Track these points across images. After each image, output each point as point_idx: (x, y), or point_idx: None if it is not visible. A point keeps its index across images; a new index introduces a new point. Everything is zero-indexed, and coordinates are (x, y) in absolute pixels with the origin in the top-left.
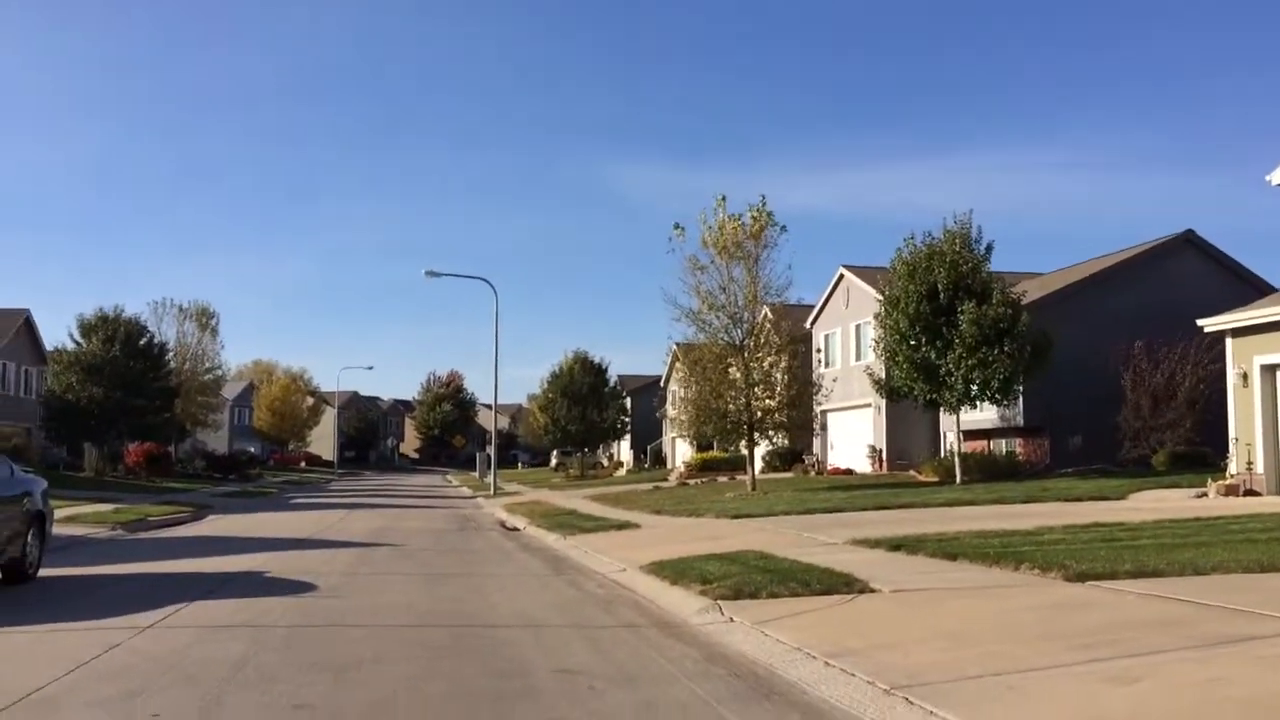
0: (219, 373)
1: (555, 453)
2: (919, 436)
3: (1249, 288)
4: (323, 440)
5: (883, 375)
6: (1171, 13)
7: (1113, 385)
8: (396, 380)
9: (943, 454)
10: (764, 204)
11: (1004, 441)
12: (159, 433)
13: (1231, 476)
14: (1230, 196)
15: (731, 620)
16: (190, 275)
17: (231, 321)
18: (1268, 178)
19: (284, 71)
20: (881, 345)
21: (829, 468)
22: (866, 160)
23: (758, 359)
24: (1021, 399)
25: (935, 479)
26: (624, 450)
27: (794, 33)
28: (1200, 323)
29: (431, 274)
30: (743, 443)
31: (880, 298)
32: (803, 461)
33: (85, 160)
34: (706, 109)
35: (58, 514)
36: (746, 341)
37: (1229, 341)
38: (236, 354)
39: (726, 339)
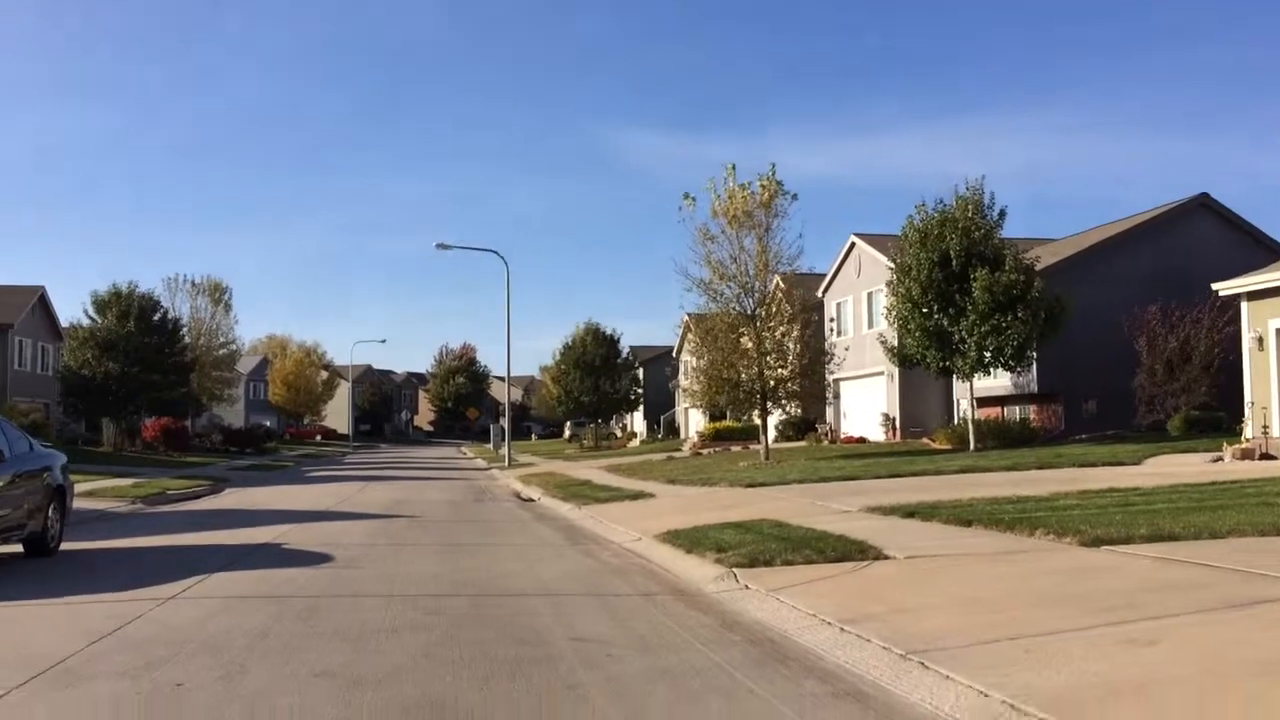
0: (233, 347)
1: (568, 424)
2: (932, 404)
3: (1265, 251)
4: (337, 414)
5: (895, 343)
6: None
7: (1127, 350)
8: (410, 353)
9: (956, 421)
10: (774, 172)
11: (1018, 408)
12: (175, 407)
13: (1247, 440)
14: (1246, 160)
15: (746, 588)
16: (202, 250)
17: (244, 296)
18: None
19: (294, 43)
20: (894, 313)
21: (842, 436)
22: (878, 127)
23: (770, 328)
24: (1035, 365)
25: (949, 446)
26: (637, 421)
27: None
28: (1215, 286)
29: (443, 247)
30: (756, 412)
31: (892, 266)
32: (816, 430)
33: (96, 136)
34: (718, 77)
35: (77, 489)
36: (758, 311)
37: (1244, 305)
38: (250, 329)
39: (738, 308)
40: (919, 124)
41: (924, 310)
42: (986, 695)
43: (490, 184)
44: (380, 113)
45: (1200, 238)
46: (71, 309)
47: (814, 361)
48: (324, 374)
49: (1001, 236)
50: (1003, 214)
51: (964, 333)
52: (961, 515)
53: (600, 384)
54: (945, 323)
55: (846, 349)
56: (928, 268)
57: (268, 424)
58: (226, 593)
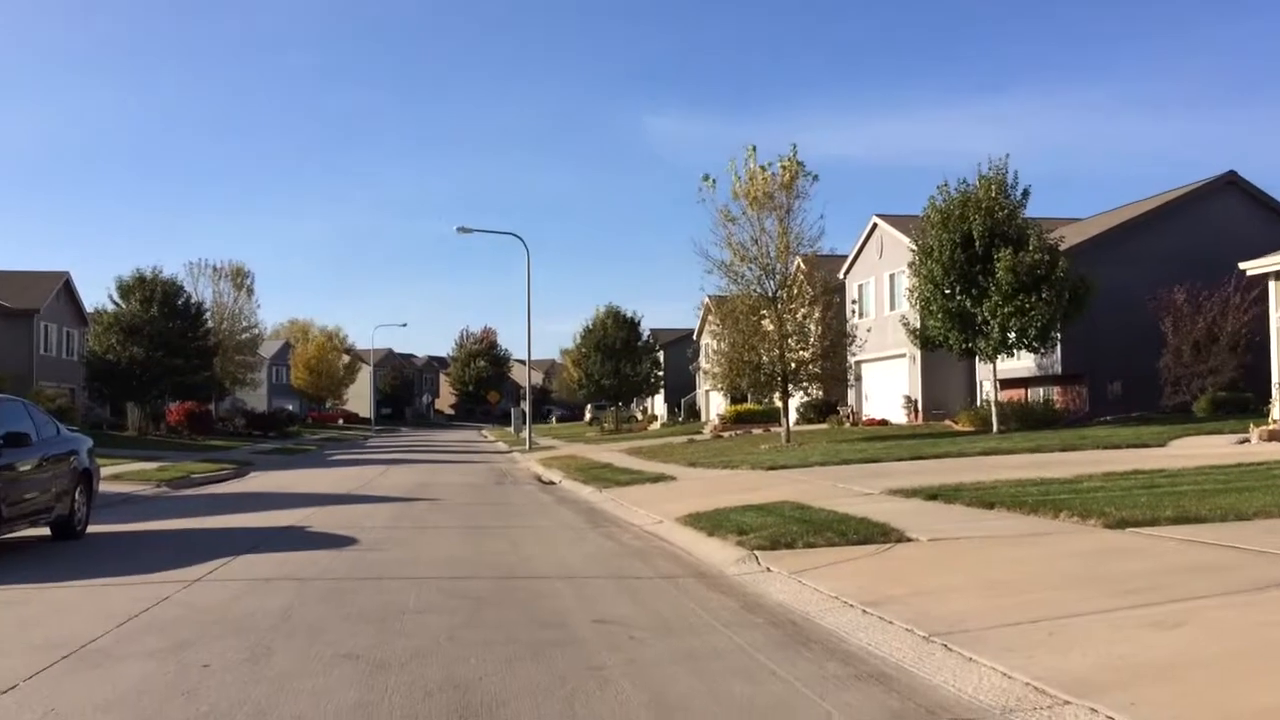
0: (255, 332)
1: (589, 407)
2: (954, 386)
3: None
4: (359, 398)
5: (917, 325)
6: None
7: (1153, 331)
8: (431, 337)
9: (979, 403)
10: (795, 153)
11: (1041, 390)
12: (199, 392)
13: (1275, 422)
14: (1275, 138)
15: (768, 570)
16: (224, 234)
17: (266, 281)
18: None
19: (315, 26)
20: (916, 295)
21: (864, 419)
22: (901, 106)
23: (791, 310)
24: (1059, 346)
25: (971, 429)
26: (658, 404)
27: None
28: (1242, 266)
29: (463, 230)
30: (777, 395)
31: (914, 247)
32: (837, 413)
33: (117, 123)
34: (738, 57)
35: (103, 472)
36: (779, 293)
37: (1272, 284)
38: (272, 313)
39: (759, 290)
40: (943, 103)
41: (946, 291)
42: (1010, 677)
43: (511, 166)
44: (403, 96)
45: (1228, 216)
46: (96, 294)
47: (835, 344)
48: (345, 358)
49: (1025, 216)
50: (1026, 193)
51: (987, 314)
52: (984, 497)
53: (621, 367)
54: (968, 304)
55: (868, 331)
56: (950, 249)
57: (290, 408)
58: (252, 575)
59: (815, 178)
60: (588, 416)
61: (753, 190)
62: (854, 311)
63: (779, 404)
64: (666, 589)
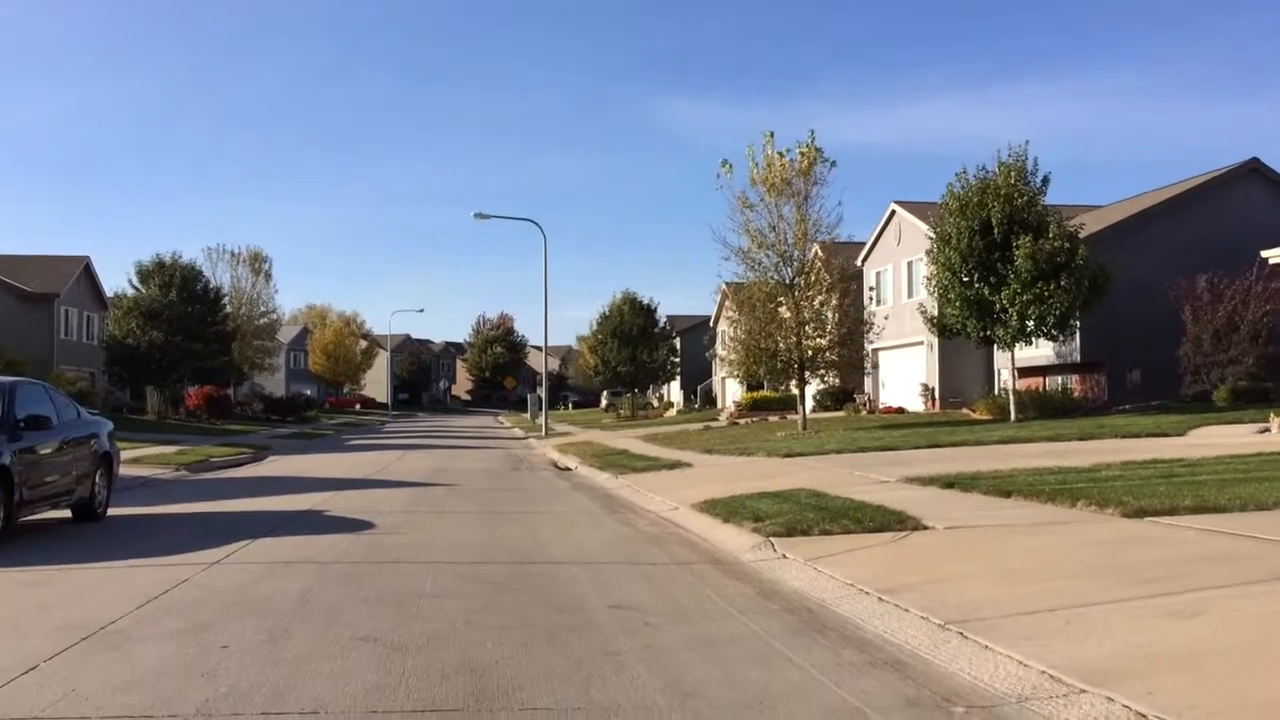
0: (273, 316)
1: (605, 394)
2: (972, 374)
3: None
4: (376, 383)
5: (935, 313)
6: None
7: (1173, 319)
8: (447, 323)
9: (996, 391)
10: (813, 139)
11: (1060, 378)
12: (218, 376)
13: None
14: None
15: (784, 557)
16: (242, 220)
17: (284, 266)
18: None
19: (332, 10)
20: (934, 282)
21: (880, 406)
22: (920, 92)
23: (808, 297)
24: (1078, 334)
25: (989, 417)
26: (674, 391)
27: None
28: (1265, 254)
29: (480, 216)
30: (793, 382)
31: (932, 234)
32: (854, 400)
33: (135, 108)
34: (755, 43)
35: (123, 456)
36: (797, 280)
37: None
38: (290, 298)
39: (776, 277)
40: (962, 89)
41: (964, 279)
42: (1026, 665)
43: (529, 153)
44: (420, 82)
45: (1250, 204)
46: (116, 279)
47: (852, 331)
48: (363, 343)
49: (1045, 203)
50: (1046, 180)
51: (1005, 302)
52: (1001, 486)
53: (637, 354)
54: (986, 292)
55: (886, 318)
56: (968, 236)
57: (308, 393)
58: (270, 558)
59: (833, 164)
60: (604, 403)
61: (771, 177)
62: (871, 299)
63: (795, 391)
64: (682, 575)
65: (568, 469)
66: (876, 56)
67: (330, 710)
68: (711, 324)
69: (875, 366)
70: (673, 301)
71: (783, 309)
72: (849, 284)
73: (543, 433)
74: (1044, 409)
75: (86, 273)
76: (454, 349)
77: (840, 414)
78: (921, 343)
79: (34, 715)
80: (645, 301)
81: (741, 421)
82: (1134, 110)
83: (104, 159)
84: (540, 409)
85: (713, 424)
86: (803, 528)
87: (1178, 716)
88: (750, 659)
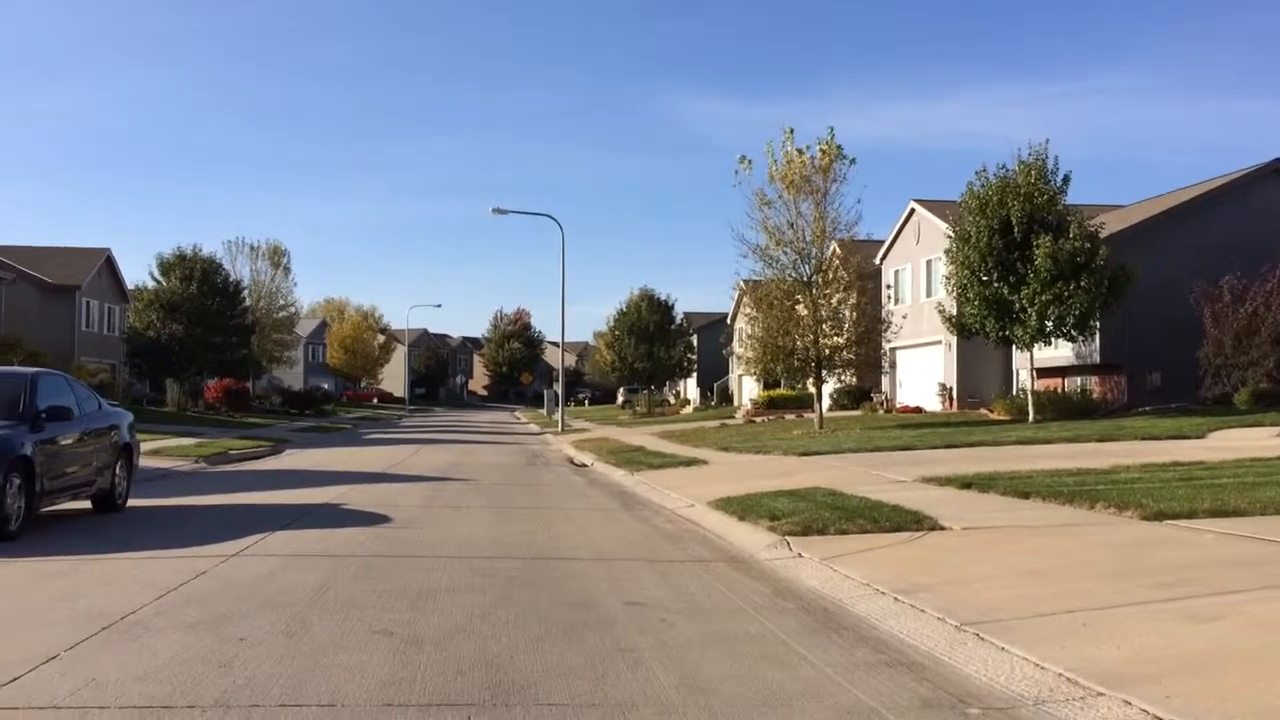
0: (292, 310)
1: (622, 390)
2: (990, 374)
3: None
4: (394, 377)
5: (954, 312)
6: None
7: (1193, 321)
8: (465, 318)
9: (1015, 392)
10: (832, 136)
11: (1079, 379)
12: (237, 369)
13: None
14: None
15: (800, 556)
16: (262, 213)
17: (302, 260)
18: None
19: (357, 8)
20: (952, 281)
21: (898, 406)
22: (941, 89)
23: (826, 295)
24: (1098, 335)
25: (1007, 417)
26: (690, 388)
27: None
28: None
29: (498, 211)
30: (810, 380)
31: (951, 233)
32: (871, 399)
33: (157, 101)
34: (774, 40)
35: (143, 448)
36: (815, 278)
37: None
38: (308, 292)
39: (794, 275)
40: (982, 86)
41: (984, 278)
42: (1042, 668)
43: (547, 148)
44: (438, 77)
45: (1272, 205)
46: (137, 271)
47: (870, 330)
48: (380, 338)
49: (1065, 203)
50: (1067, 179)
51: (1024, 301)
52: (1019, 487)
53: (654, 350)
54: (1005, 291)
55: (904, 317)
56: (987, 235)
57: (326, 386)
58: (288, 550)
59: (852, 161)
60: (620, 399)
61: (789, 174)
62: (889, 297)
63: (812, 390)
64: (698, 572)
65: (584, 465)
66: (897, 53)
67: (347, 702)
68: (728, 321)
69: (893, 365)
70: (690, 298)
71: (800, 307)
72: (867, 282)
73: (559, 428)
74: (1062, 410)
75: (108, 264)
76: (471, 344)
77: (857, 413)
78: (939, 342)
79: (54, 704)
80: (663, 298)
81: (758, 419)
82: (1156, 109)
83: (126, 153)
84: (556, 405)
85: (729, 421)
86: (819, 526)
87: None
88: (765, 657)
